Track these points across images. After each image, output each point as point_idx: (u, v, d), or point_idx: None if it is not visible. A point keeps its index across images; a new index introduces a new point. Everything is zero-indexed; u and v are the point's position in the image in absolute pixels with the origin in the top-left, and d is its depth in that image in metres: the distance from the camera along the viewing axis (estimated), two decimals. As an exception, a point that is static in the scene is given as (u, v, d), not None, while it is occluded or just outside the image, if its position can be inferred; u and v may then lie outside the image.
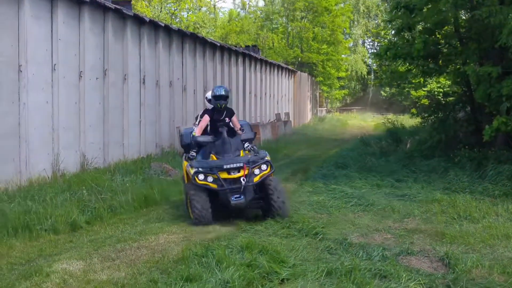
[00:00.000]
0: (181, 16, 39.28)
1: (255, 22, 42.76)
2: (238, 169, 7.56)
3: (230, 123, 8.43)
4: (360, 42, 50.37)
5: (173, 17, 36.99)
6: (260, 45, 36.79)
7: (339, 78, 43.62)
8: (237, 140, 8.15)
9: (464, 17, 15.03)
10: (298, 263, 5.66)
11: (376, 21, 49.42)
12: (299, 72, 34.23)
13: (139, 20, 13.87)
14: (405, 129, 19.82)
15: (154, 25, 14.67)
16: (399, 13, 15.28)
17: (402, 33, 15.82)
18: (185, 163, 8.46)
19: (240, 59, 21.64)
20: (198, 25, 38.97)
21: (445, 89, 19.98)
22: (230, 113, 8.51)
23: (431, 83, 24.04)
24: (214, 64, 18.78)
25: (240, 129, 8.35)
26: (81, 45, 11.48)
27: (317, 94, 41.97)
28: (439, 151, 13.61)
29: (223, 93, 8.26)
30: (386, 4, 38.20)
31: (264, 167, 7.72)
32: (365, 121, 37.74)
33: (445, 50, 15.30)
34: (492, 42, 11.62)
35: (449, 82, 18.76)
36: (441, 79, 21.66)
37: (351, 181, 10.88)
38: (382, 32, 43.29)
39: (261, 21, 42.96)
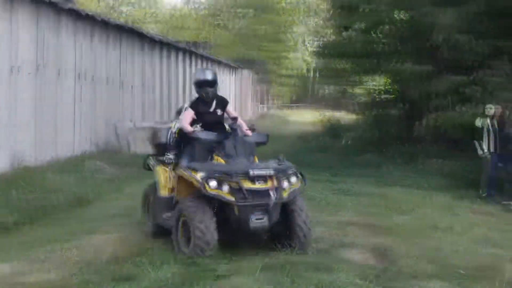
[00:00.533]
0: (121, 10, 38.49)
1: (198, 18, 42.47)
2: (264, 178, 5.58)
3: (224, 117, 6.47)
4: (302, 40, 50.98)
5: (112, 11, 36.16)
6: (203, 41, 36.57)
7: (282, 75, 44.02)
8: (250, 141, 6.16)
9: (399, 18, 15.57)
10: (234, 258, 5.65)
11: (317, 20, 50.15)
12: (242, 69, 34.27)
13: (75, 14, 13.48)
14: (343, 125, 20.31)
15: (91, 19, 14.28)
16: (337, 12, 15.67)
17: (340, 32, 16.23)
18: (160, 169, 6.50)
19: (180, 55, 21.41)
20: (138, 20, 38.28)
21: (380, 87, 20.58)
22: (222, 104, 6.45)
23: (368, 81, 24.68)
24: (153, 60, 18.51)
25: (250, 129, 6.30)
26: (13, 39, 10.99)
27: (260, 91, 42.19)
28: (373, 147, 14.11)
29: (208, 77, 6.31)
30: (326, 3, 38.83)
31: (293, 179, 5.80)
32: (306, 118, 38.29)
33: (380, 49, 15.82)
34: (425, 42, 12.09)
35: (385, 80, 19.40)
36: (378, 77, 22.32)
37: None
38: (323, 31, 44.03)
39: (205, 17, 42.71)
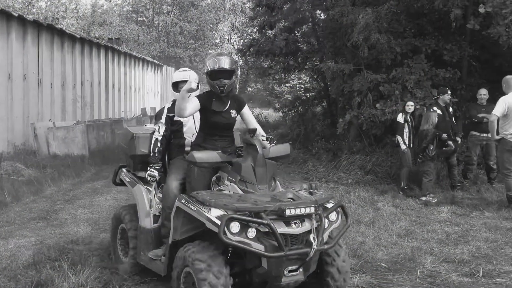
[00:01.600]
0: (39, 6, 36.82)
1: (120, 14, 41.46)
2: (300, 217, 3.88)
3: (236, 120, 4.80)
4: (227, 38, 51.09)
5: (29, 7, 34.51)
6: (125, 38, 35.73)
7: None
8: (272, 159, 4.53)
9: (320, 17, 15.93)
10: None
11: (242, 18, 50.44)
12: (165, 66, 33.81)
13: (-12, 9, 12.80)
14: (269, 123, 20.52)
15: (6, 15, 13.59)
16: (261, 10, 15.79)
17: (264, 31, 16.38)
18: (140, 189, 5.03)
19: (102, 52, 20.79)
20: (58, 16, 36.79)
21: (305, 85, 21.01)
22: (238, 103, 4.75)
23: (294, 79, 25.13)
24: (73, 57, 17.85)
25: (267, 138, 4.57)
26: None
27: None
28: (298, 144, 14.33)
29: (225, 65, 4.47)
30: (250, 1, 39.18)
31: (333, 216, 4.19)
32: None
33: (304, 48, 16.12)
34: (345, 41, 12.40)
35: (310, 78, 19.80)
36: (302, 75, 22.78)
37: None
38: (247, 29, 44.35)
39: (127, 14, 41.76)
